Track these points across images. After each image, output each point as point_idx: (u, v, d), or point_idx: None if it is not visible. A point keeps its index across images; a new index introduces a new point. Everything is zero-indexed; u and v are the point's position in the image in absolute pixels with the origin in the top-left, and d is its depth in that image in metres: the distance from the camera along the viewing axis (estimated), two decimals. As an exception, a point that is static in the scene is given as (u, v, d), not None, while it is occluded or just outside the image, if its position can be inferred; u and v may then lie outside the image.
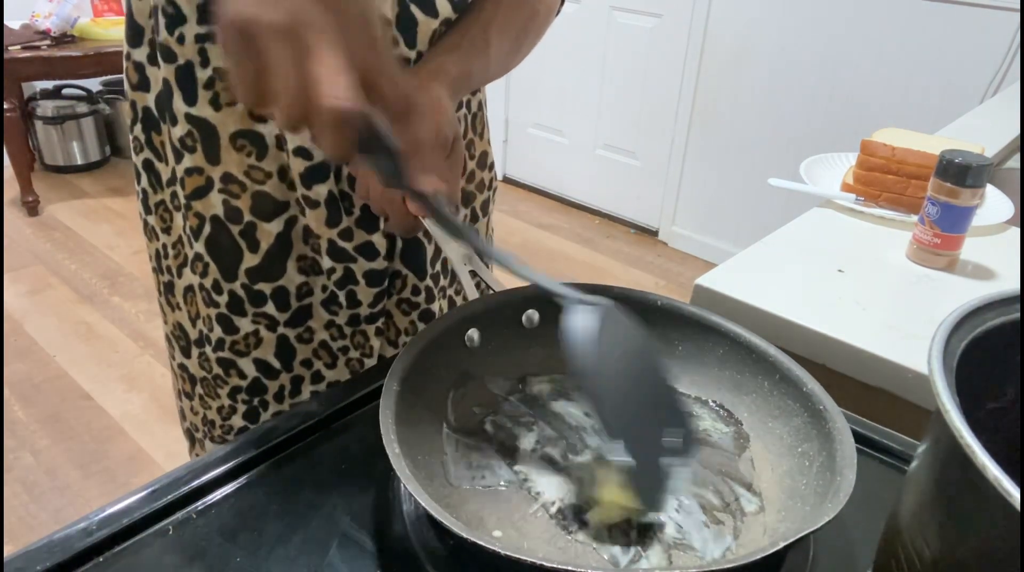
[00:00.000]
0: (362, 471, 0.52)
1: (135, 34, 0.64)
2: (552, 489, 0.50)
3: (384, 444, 0.43)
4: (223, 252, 0.67)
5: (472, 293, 0.58)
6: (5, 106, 2.86)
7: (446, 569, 0.44)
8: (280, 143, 0.63)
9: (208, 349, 0.72)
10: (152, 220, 0.71)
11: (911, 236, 0.89)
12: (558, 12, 0.74)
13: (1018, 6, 2.06)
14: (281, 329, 0.70)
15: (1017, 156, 1.33)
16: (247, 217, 0.65)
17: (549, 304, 0.50)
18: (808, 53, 2.51)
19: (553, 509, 0.48)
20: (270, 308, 0.69)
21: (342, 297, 0.69)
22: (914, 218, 0.93)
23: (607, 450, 0.48)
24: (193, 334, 0.73)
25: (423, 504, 0.40)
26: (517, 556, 0.37)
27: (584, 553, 0.45)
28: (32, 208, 3.11)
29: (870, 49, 2.37)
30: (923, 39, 2.27)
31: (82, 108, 3.44)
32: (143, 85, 0.65)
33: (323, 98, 0.37)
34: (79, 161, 3.52)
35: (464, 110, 0.73)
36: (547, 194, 3.55)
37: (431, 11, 0.62)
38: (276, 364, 0.71)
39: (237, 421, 0.75)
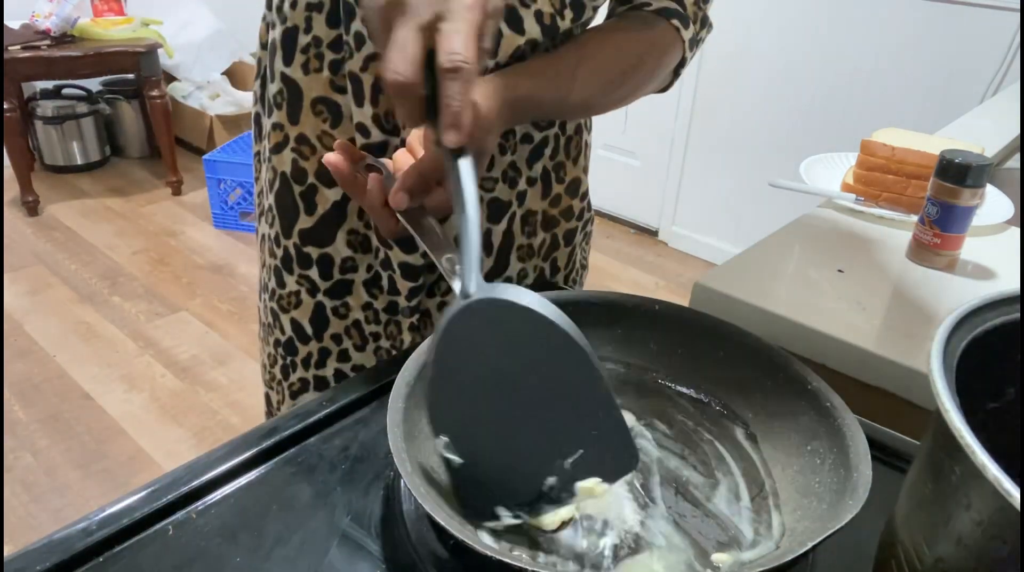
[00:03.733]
0: (362, 471, 0.52)
1: None
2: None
3: (399, 470, 0.42)
4: (285, 209, 0.71)
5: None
6: (5, 106, 2.85)
7: (446, 570, 0.44)
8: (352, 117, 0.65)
9: (266, 297, 0.78)
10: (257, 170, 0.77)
11: (911, 236, 0.89)
12: (676, 76, 0.71)
13: (1018, 6, 2.06)
14: (320, 296, 0.74)
15: (1017, 156, 1.33)
16: (310, 179, 0.69)
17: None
18: (808, 53, 2.51)
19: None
20: (313, 273, 0.72)
21: (384, 281, 0.72)
22: (914, 218, 0.93)
23: (440, 443, 0.44)
24: (261, 280, 0.79)
25: (455, 533, 0.39)
26: None
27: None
28: (32, 208, 3.10)
29: (870, 49, 2.37)
30: (923, 39, 2.26)
31: (82, 108, 3.43)
32: (265, 44, 0.70)
33: (386, 72, 0.42)
34: (79, 161, 3.52)
35: (556, 129, 0.72)
36: (547, 194, 3.55)
37: (518, 28, 0.62)
38: (308, 329, 0.75)
39: (276, 373, 0.80)
